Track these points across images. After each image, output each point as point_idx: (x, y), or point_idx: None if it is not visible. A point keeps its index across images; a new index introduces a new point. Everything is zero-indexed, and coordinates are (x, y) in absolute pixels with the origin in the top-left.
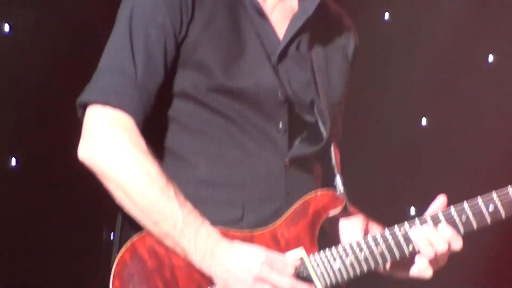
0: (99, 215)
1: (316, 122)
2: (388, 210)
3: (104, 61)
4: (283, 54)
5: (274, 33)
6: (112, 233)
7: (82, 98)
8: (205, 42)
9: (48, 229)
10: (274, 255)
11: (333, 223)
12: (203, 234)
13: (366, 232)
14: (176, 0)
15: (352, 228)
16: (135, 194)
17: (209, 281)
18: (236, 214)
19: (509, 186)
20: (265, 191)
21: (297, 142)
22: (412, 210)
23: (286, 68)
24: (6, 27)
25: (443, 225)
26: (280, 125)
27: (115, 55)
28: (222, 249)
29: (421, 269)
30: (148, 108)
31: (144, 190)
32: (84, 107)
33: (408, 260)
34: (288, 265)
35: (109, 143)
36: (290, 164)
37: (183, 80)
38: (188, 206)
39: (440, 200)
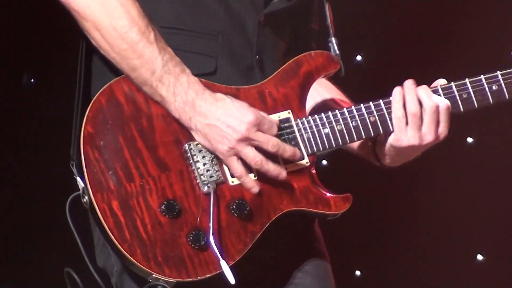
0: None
1: None
2: None
3: None
4: None
5: None
6: (32, 78)
7: None
8: None
9: None
10: (263, 115)
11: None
12: (184, 82)
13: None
14: None
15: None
16: (113, 36)
17: (188, 135)
18: (209, 67)
19: None
20: (238, 45)
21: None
22: None
23: None
24: None
25: (436, 96)
26: None
27: None
28: (204, 100)
29: (410, 136)
30: None
31: (123, 31)
32: None
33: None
34: (274, 125)
35: None
36: (265, 22)
37: None
38: (169, 51)
39: (441, 81)
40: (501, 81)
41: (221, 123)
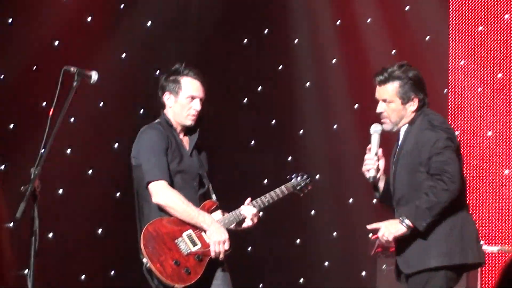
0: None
1: (203, 180)
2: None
3: (147, 164)
4: (190, 154)
5: (185, 146)
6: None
7: (147, 179)
8: (170, 151)
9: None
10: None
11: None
12: (207, 217)
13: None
14: (165, 137)
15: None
16: (180, 212)
17: (180, 233)
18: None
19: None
20: (196, 205)
21: (201, 188)
22: None
23: (194, 160)
24: None
25: (251, 207)
26: (195, 183)
27: (150, 161)
28: (214, 221)
29: (249, 224)
30: (170, 178)
31: (183, 208)
32: (148, 182)
33: (241, 224)
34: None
35: (166, 194)
36: (199, 197)
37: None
38: (197, 209)
39: (248, 200)
40: (278, 192)
41: (213, 226)
